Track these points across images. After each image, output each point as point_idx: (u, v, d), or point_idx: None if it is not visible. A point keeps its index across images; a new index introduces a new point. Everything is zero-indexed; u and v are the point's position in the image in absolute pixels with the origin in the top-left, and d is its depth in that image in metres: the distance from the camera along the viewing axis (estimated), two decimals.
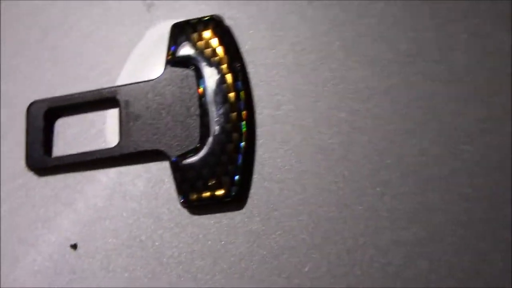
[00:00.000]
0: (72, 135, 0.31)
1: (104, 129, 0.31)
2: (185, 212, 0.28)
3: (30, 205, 0.30)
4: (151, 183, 0.29)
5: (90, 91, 0.30)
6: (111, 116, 0.30)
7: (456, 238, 0.25)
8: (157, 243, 0.28)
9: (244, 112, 0.28)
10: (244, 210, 0.27)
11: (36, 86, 0.32)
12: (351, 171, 0.26)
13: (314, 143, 0.27)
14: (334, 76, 0.28)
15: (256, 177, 0.27)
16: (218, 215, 0.28)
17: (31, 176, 0.31)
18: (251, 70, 0.29)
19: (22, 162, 0.31)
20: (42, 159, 0.30)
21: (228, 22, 0.30)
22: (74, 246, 0.29)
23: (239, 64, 0.28)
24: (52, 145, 0.31)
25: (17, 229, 0.30)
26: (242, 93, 0.28)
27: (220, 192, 0.27)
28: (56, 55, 0.33)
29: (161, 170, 0.29)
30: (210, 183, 0.27)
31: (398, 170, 0.26)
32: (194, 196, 0.27)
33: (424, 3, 0.28)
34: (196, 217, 0.28)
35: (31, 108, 0.31)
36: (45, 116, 0.31)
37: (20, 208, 0.30)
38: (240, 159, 0.27)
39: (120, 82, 0.31)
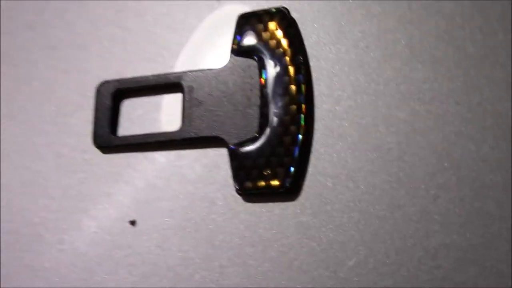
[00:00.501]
0: (137, 116, 0.32)
1: (167, 113, 0.32)
2: (239, 199, 0.29)
3: (94, 179, 0.32)
4: (208, 168, 0.30)
5: (156, 75, 0.32)
6: (175, 100, 0.32)
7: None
8: (210, 227, 0.29)
9: (303, 106, 0.28)
10: (296, 202, 0.28)
11: (107, 65, 0.34)
12: (406, 172, 0.26)
13: (371, 141, 0.27)
14: (397, 75, 0.28)
15: (311, 170, 0.28)
16: (271, 204, 0.28)
17: (96, 152, 0.32)
18: (313, 64, 0.29)
19: (89, 138, 0.32)
20: (108, 138, 0.32)
21: (294, 14, 0.30)
22: (132, 223, 0.30)
23: (302, 57, 0.29)
24: (118, 124, 0.32)
25: (81, 201, 0.32)
26: (303, 86, 0.28)
27: (274, 182, 0.27)
28: (127, 36, 0.34)
29: (219, 157, 0.30)
30: (265, 173, 0.28)
31: (455, 174, 0.26)
32: (249, 185, 0.28)
33: (494, 4, 0.27)
34: (249, 204, 0.29)
35: (101, 88, 0.32)
36: (113, 96, 0.32)
37: (85, 182, 0.32)
38: (296, 152, 0.27)
39: (185, 67, 0.32)
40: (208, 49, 0.32)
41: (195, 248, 0.29)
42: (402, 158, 0.26)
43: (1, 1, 0.37)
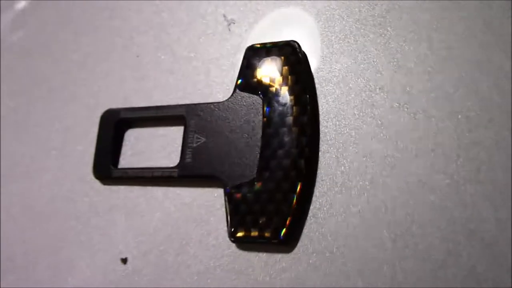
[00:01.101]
0: (140, 148, 0.31)
1: (169, 145, 0.31)
2: (232, 245, 0.27)
3: (91, 211, 0.31)
4: (204, 209, 0.28)
5: (160, 106, 0.30)
6: (178, 132, 0.30)
7: None
8: (201, 270, 0.27)
9: (306, 149, 0.26)
10: (292, 254, 0.26)
11: (116, 92, 0.33)
12: (415, 241, 0.24)
13: (378, 195, 0.25)
14: (411, 123, 0.25)
15: (309, 220, 0.26)
16: (264, 254, 0.26)
17: (96, 183, 0.31)
18: (322, 102, 0.27)
19: (90, 167, 0.32)
20: (108, 169, 0.31)
21: (306, 48, 0.28)
22: (124, 260, 0.29)
23: (308, 97, 0.27)
24: (120, 155, 0.31)
25: (77, 234, 0.31)
26: (307, 129, 0.26)
27: (268, 233, 0.25)
28: (138, 64, 0.33)
29: (216, 197, 0.28)
30: (260, 221, 0.26)
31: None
32: (242, 233, 0.26)
33: None
34: (242, 252, 0.27)
35: (105, 116, 0.32)
36: (116, 126, 0.31)
37: (82, 213, 0.31)
38: (294, 200, 0.25)
39: (190, 98, 0.31)
40: (214, 80, 0.30)
41: None
42: (410, 228, 0.24)
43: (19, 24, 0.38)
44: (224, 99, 0.29)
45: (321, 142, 0.27)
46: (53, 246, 0.31)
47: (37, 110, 0.35)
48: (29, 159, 0.34)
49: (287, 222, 0.25)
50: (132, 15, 0.34)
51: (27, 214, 0.33)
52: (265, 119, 0.27)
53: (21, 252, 0.32)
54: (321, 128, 0.27)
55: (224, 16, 0.31)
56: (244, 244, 0.27)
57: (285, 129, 0.26)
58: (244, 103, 0.28)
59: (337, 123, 0.26)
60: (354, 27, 0.27)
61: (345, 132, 0.26)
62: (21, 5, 0.39)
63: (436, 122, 0.25)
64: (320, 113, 0.27)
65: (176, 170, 0.29)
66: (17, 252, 0.32)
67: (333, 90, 0.27)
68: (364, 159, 0.25)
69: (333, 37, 0.28)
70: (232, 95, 0.28)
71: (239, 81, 0.28)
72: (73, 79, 0.35)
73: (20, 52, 0.37)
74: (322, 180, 0.26)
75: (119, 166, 0.31)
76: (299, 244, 0.26)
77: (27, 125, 0.35)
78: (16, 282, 0.32)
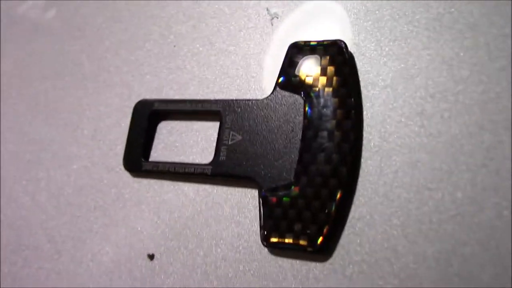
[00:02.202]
0: (172, 141, 0.30)
1: (203, 141, 0.30)
2: (264, 249, 0.26)
3: (119, 203, 0.30)
4: (237, 209, 0.27)
5: (195, 100, 0.29)
6: (213, 128, 0.29)
7: None
8: (230, 273, 0.26)
9: (348, 156, 0.25)
10: (327, 263, 0.25)
11: (148, 83, 0.32)
12: (449, 249, 0.22)
13: (422, 208, 0.23)
14: (463, 135, 0.24)
15: (347, 231, 0.24)
16: (298, 261, 0.25)
17: (126, 174, 0.31)
18: (366, 106, 0.26)
19: (121, 158, 0.31)
20: (139, 162, 0.30)
21: (353, 48, 0.27)
22: (151, 257, 0.28)
23: (354, 100, 0.25)
24: (151, 147, 0.31)
25: (103, 226, 0.30)
26: (350, 134, 0.25)
27: (303, 241, 0.24)
28: (174, 54, 0.32)
29: (250, 198, 0.27)
30: (296, 228, 0.25)
31: None
32: (276, 239, 0.25)
33: None
34: (274, 257, 0.26)
35: (138, 107, 0.31)
36: (149, 117, 0.30)
37: (110, 204, 0.31)
38: (333, 209, 0.24)
39: (227, 93, 0.30)
40: (255, 76, 0.29)
41: None
42: (455, 247, 0.22)
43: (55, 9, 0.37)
44: (263, 97, 0.28)
45: (364, 149, 0.25)
46: (78, 237, 0.31)
47: (69, 96, 0.34)
48: (58, 146, 0.33)
49: (325, 231, 0.24)
50: (171, 3, 0.33)
51: (53, 202, 0.32)
52: (306, 120, 0.26)
53: (46, 240, 0.32)
54: (365, 135, 0.25)
55: (268, 9, 0.30)
56: (276, 249, 0.26)
57: (326, 133, 0.25)
58: (284, 103, 0.27)
59: (382, 130, 0.25)
60: (405, 29, 0.26)
61: (390, 140, 0.25)
62: None
63: (490, 136, 0.23)
64: (365, 118, 0.26)
65: (210, 167, 0.28)
66: (42, 240, 0.32)
67: (380, 95, 0.26)
68: (409, 170, 0.24)
69: (382, 39, 0.26)
70: (272, 93, 0.27)
71: (280, 79, 0.27)
72: (107, 67, 0.34)
73: (53, 36, 0.36)
74: (363, 189, 0.25)
75: (150, 159, 0.30)
76: (335, 254, 0.25)
77: (58, 111, 0.34)
78: (39, 271, 0.31)
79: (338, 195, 0.24)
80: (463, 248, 0.22)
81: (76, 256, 0.31)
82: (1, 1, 0.40)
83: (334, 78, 0.26)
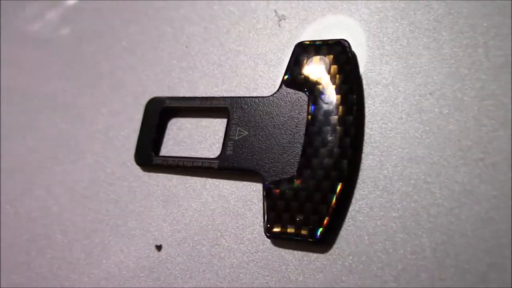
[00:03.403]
0: (182, 137, 0.31)
1: (212, 137, 0.31)
2: (267, 240, 0.27)
3: (129, 196, 0.32)
4: (242, 202, 0.28)
5: (204, 97, 0.31)
6: (220, 125, 0.30)
7: None
8: (235, 263, 0.27)
9: (349, 150, 0.25)
10: (327, 254, 0.25)
11: (160, 82, 0.33)
12: (445, 240, 0.23)
13: (420, 201, 0.24)
14: (460, 131, 0.24)
15: (347, 222, 0.25)
16: (299, 252, 0.26)
17: (137, 169, 0.32)
18: (368, 103, 0.27)
19: (132, 153, 0.32)
20: (149, 156, 0.31)
21: (356, 49, 0.28)
22: (158, 247, 0.29)
23: (355, 97, 0.26)
24: (162, 143, 0.32)
25: (113, 218, 0.32)
26: (351, 129, 0.26)
27: (305, 231, 0.25)
28: (186, 54, 0.33)
29: (254, 192, 0.28)
30: (297, 219, 0.25)
31: None
32: (278, 229, 0.26)
33: None
34: (276, 248, 0.26)
35: (149, 104, 0.32)
36: (160, 114, 0.32)
37: (120, 197, 0.32)
38: (333, 200, 0.25)
39: (235, 91, 0.31)
40: (261, 74, 0.30)
41: (217, 284, 0.28)
42: (452, 238, 0.23)
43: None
44: (269, 94, 0.29)
45: (365, 144, 0.26)
46: (90, 228, 0.32)
47: (85, 94, 0.36)
48: (74, 141, 0.35)
49: (325, 222, 0.25)
50: (185, 6, 0.34)
51: (67, 195, 0.34)
52: (309, 116, 0.27)
53: (59, 231, 0.33)
54: (366, 130, 0.26)
55: (275, 11, 0.31)
56: (279, 241, 0.26)
57: (329, 128, 0.26)
58: (289, 100, 0.28)
59: (383, 125, 0.26)
60: (407, 29, 0.27)
61: (391, 135, 0.26)
62: None
63: (487, 131, 0.24)
64: (366, 114, 0.26)
65: (217, 161, 0.29)
66: (55, 231, 0.33)
67: (381, 92, 0.26)
68: (408, 164, 0.25)
69: (384, 39, 0.27)
70: (277, 90, 0.28)
71: (286, 77, 0.28)
72: (121, 66, 0.35)
73: (71, 37, 0.38)
74: (363, 183, 0.25)
75: (160, 154, 0.32)
76: (335, 245, 0.25)
77: (75, 107, 0.36)
78: (52, 260, 0.32)
79: (339, 188, 0.25)
80: (459, 240, 0.23)
81: (87, 246, 0.32)
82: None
83: (337, 76, 0.27)
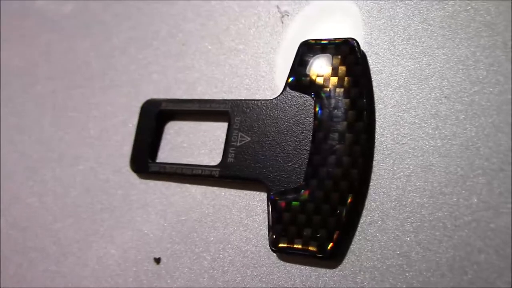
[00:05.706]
0: (180, 141, 0.30)
1: (211, 142, 0.29)
2: (272, 254, 0.25)
3: (125, 205, 0.30)
4: (245, 213, 0.27)
5: (203, 100, 0.29)
6: (221, 129, 0.29)
7: None
8: (238, 279, 0.26)
9: (360, 159, 0.24)
10: (337, 270, 0.24)
11: (155, 82, 0.31)
12: (463, 256, 0.22)
13: (437, 215, 0.22)
14: (478, 138, 0.23)
15: (358, 236, 0.24)
16: (307, 268, 0.24)
17: (132, 176, 0.30)
18: (379, 107, 0.25)
19: (127, 159, 0.30)
20: (146, 163, 0.29)
21: (365, 47, 0.26)
22: (157, 260, 0.28)
23: (366, 101, 0.25)
24: (159, 148, 0.30)
25: (109, 228, 0.30)
26: (362, 136, 0.24)
27: (313, 247, 0.23)
28: (182, 53, 0.31)
29: (258, 202, 0.26)
30: (305, 233, 0.24)
31: None
32: (285, 244, 0.24)
33: None
34: (282, 263, 0.25)
35: (145, 107, 0.30)
36: (156, 117, 0.30)
37: (116, 206, 0.30)
38: (343, 213, 0.23)
39: (236, 93, 0.29)
40: (264, 75, 0.29)
41: None
42: (470, 254, 0.22)
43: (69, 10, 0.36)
44: (273, 97, 0.27)
45: (376, 152, 0.24)
46: (84, 239, 0.30)
47: (75, 95, 0.34)
48: (64, 146, 0.33)
49: (335, 236, 0.23)
50: (181, 1, 0.32)
51: (59, 203, 0.32)
52: (316, 122, 0.25)
53: (52, 242, 0.31)
54: (377, 137, 0.25)
55: (278, 7, 0.29)
56: (285, 255, 0.25)
57: (338, 135, 0.24)
58: (294, 103, 0.26)
59: (395, 132, 0.24)
60: (420, 27, 0.25)
61: (404, 142, 0.24)
62: None
63: (507, 138, 0.22)
64: (377, 119, 0.25)
65: (218, 169, 0.27)
66: (48, 242, 0.31)
67: (393, 96, 0.25)
68: (422, 173, 0.23)
69: (396, 37, 0.26)
70: (281, 93, 0.26)
71: (290, 79, 0.26)
72: (113, 65, 0.33)
73: (61, 33, 0.36)
74: (375, 193, 0.24)
75: (157, 160, 0.30)
76: (345, 260, 0.24)
77: (65, 110, 0.34)
78: (45, 273, 0.31)
79: (349, 199, 0.23)
80: (478, 256, 0.21)
81: (81, 258, 0.30)
82: None
83: (346, 78, 0.25)
